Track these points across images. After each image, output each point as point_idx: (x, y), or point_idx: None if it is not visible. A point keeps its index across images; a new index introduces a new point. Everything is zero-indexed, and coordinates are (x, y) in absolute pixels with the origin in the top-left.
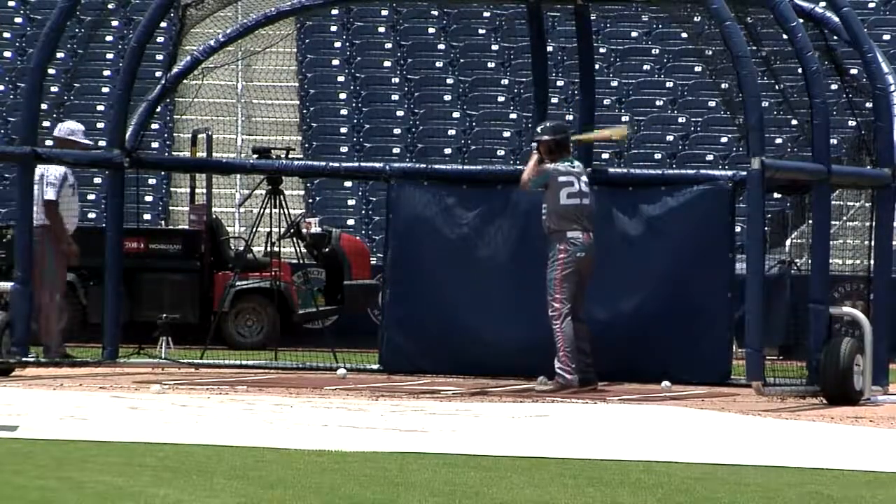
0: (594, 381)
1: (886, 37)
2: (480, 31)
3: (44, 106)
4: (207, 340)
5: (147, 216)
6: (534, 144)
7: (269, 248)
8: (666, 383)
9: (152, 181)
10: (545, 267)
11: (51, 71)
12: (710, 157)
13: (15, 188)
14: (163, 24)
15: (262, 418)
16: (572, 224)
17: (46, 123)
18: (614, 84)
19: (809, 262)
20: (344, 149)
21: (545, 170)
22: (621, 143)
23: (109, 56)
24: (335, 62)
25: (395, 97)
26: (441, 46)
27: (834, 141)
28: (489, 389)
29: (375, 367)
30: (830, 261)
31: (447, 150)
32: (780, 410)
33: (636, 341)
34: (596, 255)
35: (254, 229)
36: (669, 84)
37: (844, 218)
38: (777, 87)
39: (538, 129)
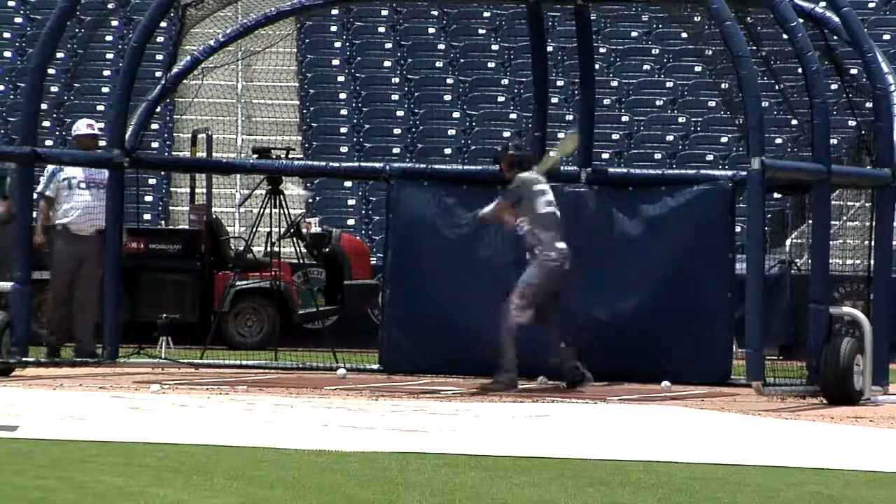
0: (582, 381)
1: (886, 37)
2: (480, 31)
3: (44, 106)
4: (207, 340)
5: (147, 216)
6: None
7: (269, 248)
8: (666, 383)
9: (152, 181)
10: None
11: (51, 71)
12: (710, 157)
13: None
14: (163, 24)
15: (262, 418)
16: (556, 233)
17: (46, 123)
18: (614, 84)
19: (809, 262)
20: (344, 149)
21: (520, 178)
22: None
23: (109, 56)
24: (335, 62)
25: (395, 97)
26: (441, 46)
27: (834, 141)
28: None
29: (375, 367)
30: (830, 261)
31: (447, 150)
32: (780, 410)
33: (636, 341)
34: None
35: (254, 229)
36: (669, 84)
37: (844, 218)
38: (777, 87)
39: (500, 149)
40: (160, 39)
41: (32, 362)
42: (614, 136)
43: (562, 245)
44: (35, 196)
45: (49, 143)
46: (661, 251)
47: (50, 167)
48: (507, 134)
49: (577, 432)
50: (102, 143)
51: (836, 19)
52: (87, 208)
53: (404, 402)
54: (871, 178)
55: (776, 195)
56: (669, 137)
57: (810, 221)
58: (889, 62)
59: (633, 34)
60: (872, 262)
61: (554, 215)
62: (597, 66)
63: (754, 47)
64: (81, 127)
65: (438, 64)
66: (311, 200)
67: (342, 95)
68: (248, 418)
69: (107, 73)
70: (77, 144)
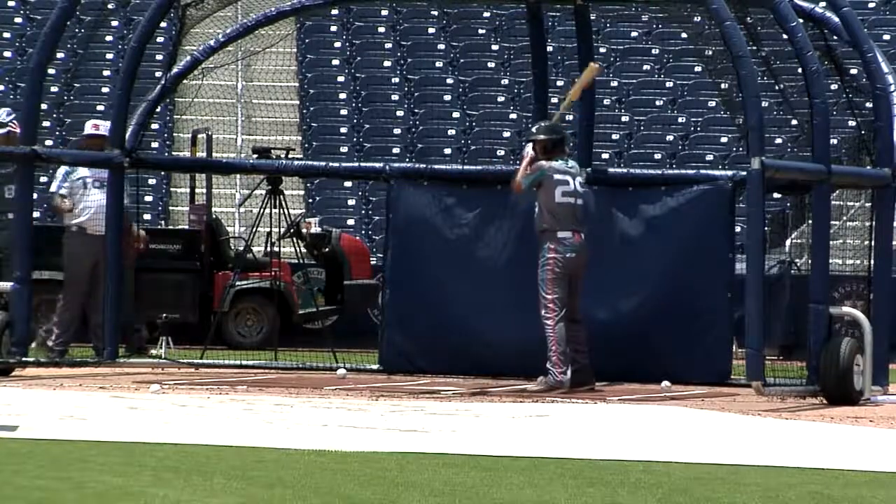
0: (591, 381)
1: (886, 37)
2: (480, 31)
3: (44, 106)
4: (207, 340)
5: (147, 216)
6: (530, 144)
7: (269, 248)
8: (666, 383)
9: (152, 181)
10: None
11: (51, 71)
12: (710, 157)
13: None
14: (163, 24)
15: (262, 418)
16: (564, 224)
17: (46, 123)
18: (614, 84)
19: (809, 262)
20: (344, 149)
21: (540, 166)
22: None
23: (109, 56)
24: (335, 62)
25: (395, 97)
26: (441, 46)
27: (834, 141)
28: (489, 389)
29: (375, 367)
30: (830, 261)
31: (447, 150)
32: (780, 410)
33: (636, 341)
34: (589, 256)
35: (254, 229)
36: (669, 84)
37: (844, 218)
38: (777, 87)
39: (533, 129)
40: (160, 39)
41: (32, 362)
42: (614, 136)
43: (566, 234)
44: (50, 193)
45: (49, 143)
46: (661, 251)
47: (63, 167)
48: (507, 134)
49: (577, 432)
50: None
51: (836, 19)
52: (101, 207)
53: (404, 402)
54: (871, 178)
55: (776, 195)
56: (669, 137)
57: (810, 221)
58: (889, 62)
59: (633, 34)
60: (872, 262)
61: (570, 205)
62: None
63: (754, 47)
64: (87, 128)
65: (438, 64)
66: (310, 200)
67: (342, 95)
68: (248, 418)
69: (107, 73)
70: (86, 145)
